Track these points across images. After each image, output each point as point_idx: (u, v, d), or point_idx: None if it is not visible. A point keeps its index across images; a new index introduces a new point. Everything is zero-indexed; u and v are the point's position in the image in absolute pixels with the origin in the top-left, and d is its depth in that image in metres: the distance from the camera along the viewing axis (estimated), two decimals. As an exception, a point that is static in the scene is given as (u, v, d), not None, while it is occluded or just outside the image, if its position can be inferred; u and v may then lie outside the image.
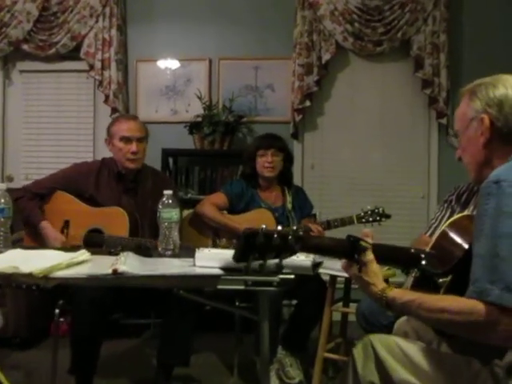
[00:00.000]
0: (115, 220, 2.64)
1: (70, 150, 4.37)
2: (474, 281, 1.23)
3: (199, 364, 3.07)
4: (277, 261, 1.32)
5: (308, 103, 4.10)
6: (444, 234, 1.50)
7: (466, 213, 2.23)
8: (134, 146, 2.74)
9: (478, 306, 1.20)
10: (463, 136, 1.50)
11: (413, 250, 1.50)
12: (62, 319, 2.59)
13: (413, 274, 1.43)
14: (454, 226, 1.52)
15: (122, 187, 2.82)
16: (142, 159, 2.82)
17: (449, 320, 1.25)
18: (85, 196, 2.76)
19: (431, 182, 4.21)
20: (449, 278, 1.37)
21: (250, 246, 1.30)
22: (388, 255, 1.45)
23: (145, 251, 2.00)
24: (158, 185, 2.83)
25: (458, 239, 1.46)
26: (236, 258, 1.34)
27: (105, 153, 3.04)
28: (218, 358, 3.31)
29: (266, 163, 3.11)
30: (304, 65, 4.06)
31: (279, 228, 1.33)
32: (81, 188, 2.77)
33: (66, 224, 2.68)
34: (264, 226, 1.32)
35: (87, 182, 2.78)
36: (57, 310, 2.56)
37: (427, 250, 1.50)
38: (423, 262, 1.44)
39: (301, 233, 1.33)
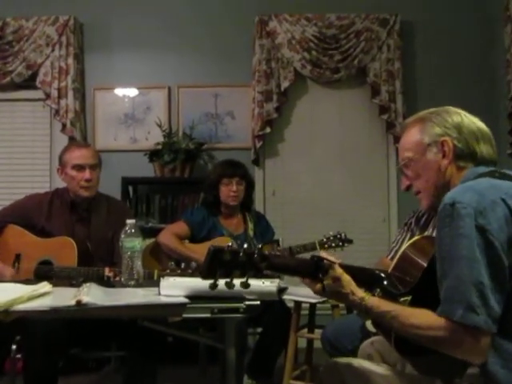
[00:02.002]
0: (64, 250, 2.62)
1: (25, 181, 4.29)
2: (441, 300, 1.31)
3: (164, 397, 3.03)
4: (243, 279, 1.35)
5: (268, 130, 4.18)
6: (404, 256, 1.57)
7: (425, 234, 2.33)
8: (87, 174, 2.74)
9: (445, 324, 1.28)
10: (417, 163, 1.55)
11: (376, 271, 1.57)
12: (18, 355, 2.53)
13: (375, 294, 1.48)
14: (413, 247, 1.58)
15: (75, 216, 2.81)
16: (95, 187, 2.82)
17: (418, 335, 1.33)
18: (37, 228, 2.74)
19: (391, 205, 4.33)
20: (409, 298, 1.43)
21: (216, 262, 1.33)
22: (352, 275, 1.50)
23: (107, 282, 2.00)
24: (113, 212, 2.84)
25: (417, 260, 1.52)
26: (203, 274, 1.37)
27: (64, 185, 3.01)
28: (183, 390, 3.28)
29: (231, 192, 3.13)
30: (263, 92, 4.16)
31: (245, 246, 1.36)
32: (33, 220, 2.75)
33: (18, 257, 2.64)
34: (230, 244, 1.35)
35: (39, 214, 2.76)
36: (14, 346, 2.50)
37: (389, 270, 1.56)
38: (385, 282, 1.51)
39: (266, 252, 1.37)
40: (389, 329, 1.41)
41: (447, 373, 1.45)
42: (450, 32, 4.33)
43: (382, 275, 1.53)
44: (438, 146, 1.50)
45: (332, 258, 1.50)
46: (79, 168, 2.75)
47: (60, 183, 3.07)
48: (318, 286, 1.48)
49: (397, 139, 4.18)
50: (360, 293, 1.45)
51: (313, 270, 1.47)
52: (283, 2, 4.31)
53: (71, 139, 4.13)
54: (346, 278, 1.47)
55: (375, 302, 1.43)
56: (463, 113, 1.54)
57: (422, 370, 1.53)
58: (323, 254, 1.52)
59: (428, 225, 2.43)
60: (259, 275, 1.39)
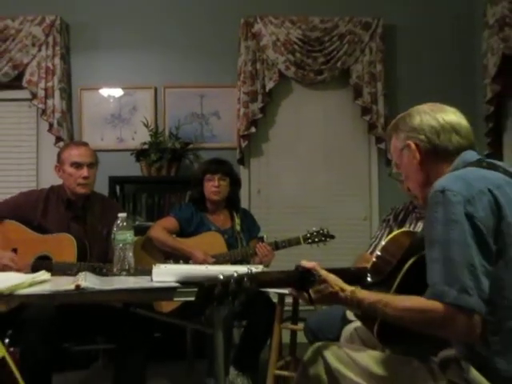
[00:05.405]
0: (63, 246, 2.72)
1: (11, 181, 4.35)
2: (432, 284, 1.39)
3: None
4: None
5: (253, 129, 4.33)
6: (383, 250, 1.69)
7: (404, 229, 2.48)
8: (85, 171, 2.85)
9: (437, 306, 1.35)
10: (402, 167, 1.71)
11: (358, 269, 1.69)
12: (11, 349, 2.59)
13: None
14: (393, 241, 1.71)
15: (70, 214, 2.91)
16: (92, 185, 2.94)
17: (412, 318, 1.41)
18: (33, 224, 2.83)
19: (373, 203, 4.49)
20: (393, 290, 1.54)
21: (208, 298, 1.42)
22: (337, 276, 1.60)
23: (100, 272, 2.12)
24: (106, 210, 2.95)
25: (395, 252, 1.63)
26: (196, 306, 1.45)
27: (49, 183, 3.08)
28: (171, 384, 3.38)
29: (213, 187, 3.28)
30: (249, 92, 4.30)
31: (235, 274, 1.43)
32: (28, 216, 2.84)
33: (14, 252, 2.73)
34: (221, 277, 1.42)
35: (35, 210, 2.86)
36: (6, 340, 2.58)
37: (369, 266, 1.68)
38: (368, 279, 1.63)
39: (253, 269, 1.47)
40: (381, 317, 1.49)
41: (423, 353, 1.59)
42: (430, 36, 4.51)
43: (365, 272, 1.64)
44: (407, 148, 1.65)
45: (313, 263, 1.59)
46: (77, 166, 2.87)
47: (47, 182, 3.16)
48: (305, 295, 1.57)
49: (378, 140, 4.35)
50: (349, 287, 1.55)
51: (298, 280, 1.56)
52: (268, 5, 4.45)
53: (58, 139, 4.24)
54: (332, 277, 1.56)
55: (366, 293, 1.53)
56: (426, 110, 1.67)
57: (400, 351, 1.66)
58: (304, 262, 1.60)
59: (405, 221, 2.61)
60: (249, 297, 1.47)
